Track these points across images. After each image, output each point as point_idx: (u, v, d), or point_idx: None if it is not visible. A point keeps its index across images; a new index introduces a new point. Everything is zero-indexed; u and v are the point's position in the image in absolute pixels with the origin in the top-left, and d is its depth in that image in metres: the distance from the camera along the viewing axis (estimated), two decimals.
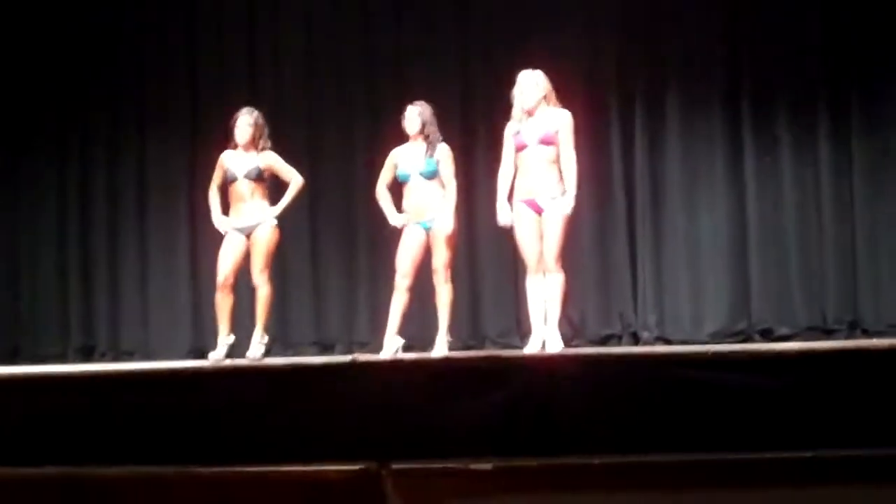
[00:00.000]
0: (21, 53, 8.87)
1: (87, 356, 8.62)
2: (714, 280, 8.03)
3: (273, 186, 7.01)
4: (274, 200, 6.91)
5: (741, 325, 7.94)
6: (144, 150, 8.84)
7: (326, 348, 8.36)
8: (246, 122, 6.87)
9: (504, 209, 6.31)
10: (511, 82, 6.41)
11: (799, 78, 8.00)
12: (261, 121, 6.92)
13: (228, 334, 6.77)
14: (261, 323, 6.83)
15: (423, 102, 6.74)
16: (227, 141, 6.98)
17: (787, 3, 8.08)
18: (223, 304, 6.78)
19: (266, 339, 6.84)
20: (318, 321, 8.49)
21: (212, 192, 6.95)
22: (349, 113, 8.59)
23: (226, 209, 6.91)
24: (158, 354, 8.39)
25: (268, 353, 6.84)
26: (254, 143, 6.86)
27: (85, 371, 6.26)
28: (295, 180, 6.89)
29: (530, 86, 6.31)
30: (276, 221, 6.82)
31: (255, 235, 6.78)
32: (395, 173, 6.70)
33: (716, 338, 7.81)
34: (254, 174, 6.82)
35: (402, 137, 6.77)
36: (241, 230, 6.81)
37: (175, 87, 8.82)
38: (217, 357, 6.71)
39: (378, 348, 6.75)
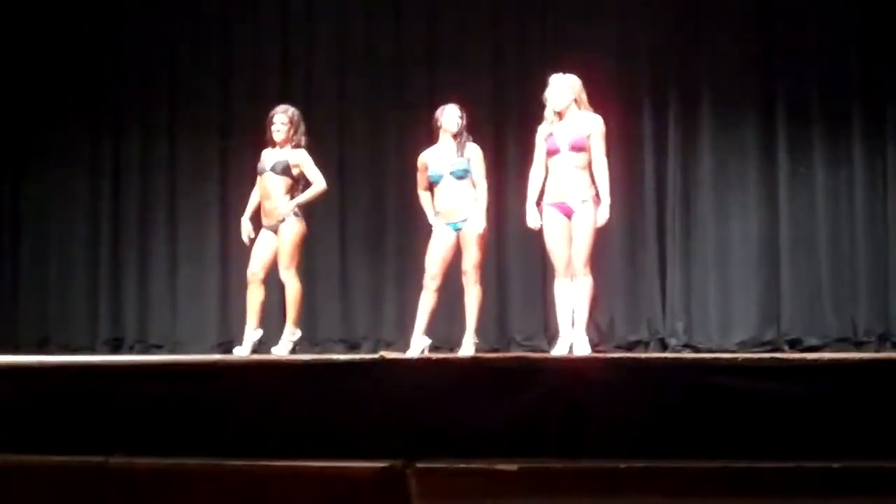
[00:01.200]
0: (55, 44, 8.93)
1: (116, 349, 8.67)
2: (744, 288, 7.99)
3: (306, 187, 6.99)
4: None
5: (770, 335, 7.89)
6: (175, 143, 8.88)
7: (353, 346, 8.37)
8: (281, 120, 6.88)
9: (533, 212, 6.30)
10: (543, 84, 6.40)
11: (834, 86, 7.95)
12: (296, 117, 6.92)
13: (256, 329, 6.79)
14: (290, 319, 6.84)
15: (456, 105, 6.73)
16: (263, 137, 6.99)
17: (823, 10, 8.03)
18: (253, 298, 6.82)
19: (297, 335, 6.85)
20: (346, 319, 8.50)
21: (252, 194, 6.99)
22: (380, 112, 8.59)
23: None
24: (186, 347, 8.43)
25: (295, 350, 6.84)
26: (289, 141, 6.88)
27: (111, 361, 6.30)
28: (318, 183, 6.89)
29: (561, 88, 6.30)
30: (299, 216, 6.82)
31: (280, 232, 6.80)
32: (427, 175, 6.69)
33: (744, 347, 7.76)
34: (280, 168, 6.83)
35: (433, 138, 6.77)
36: (268, 227, 6.83)
37: (207, 82, 8.85)
38: (242, 352, 6.73)
39: (405, 347, 6.75)
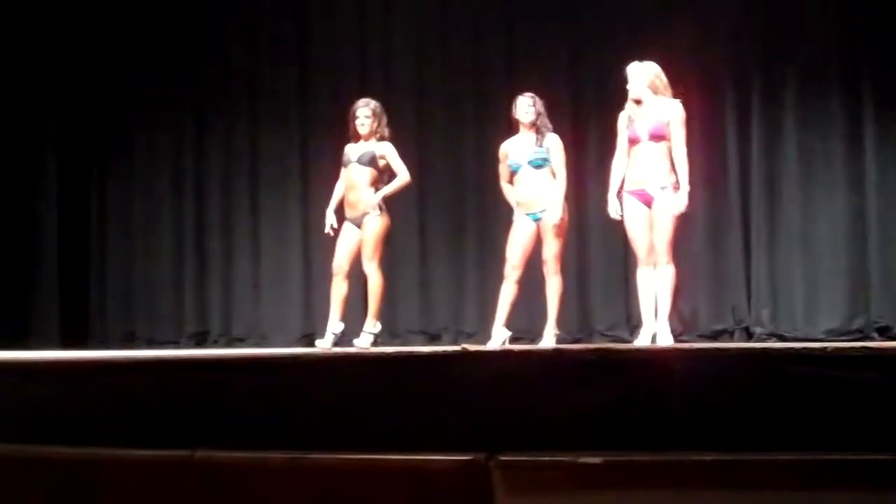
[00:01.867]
0: (136, 44, 9.07)
1: (200, 342, 8.79)
2: (830, 276, 7.83)
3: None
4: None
5: (858, 323, 7.72)
6: (257, 138, 8.97)
7: (433, 338, 8.38)
8: (364, 113, 6.90)
9: (614, 201, 6.24)
10: (622, 72, 6.33)
11: None
12: (379, 110, 6.94)
13: (338, 322, 6.82)
14: (371, 312, 6.87)
15: (532, 94, 6.69)
16: (345, 131, 7.01)
17: None
18: (337, 291, 6.86)
19: (378, 328, 6.87)
20: (426, 311, 8.52)
21: (337, 186, 7.01)
22: (459, 104, 8.59)
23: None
24: (270, 340, 8.51)
25: (376, 342, 6.86)
26: (373, 133, 6.89)
27: (196, 355, 6.37)
28: (402, 175, 6.90)
29: (640, 76, 6.23)
30: (383, 210, 6.83)
31: (364, 225, 6.82)
32: (507, 164, 6.67)
33: (831, 335, 7.61)
34: (366, 159, 6.84)
35: (512, 129, 6.73)
36: (352, 220, 6.86)
37: (286, 77, 8.92)
38: (323, 344, 6.77)
39: (485, 339, 6.74)
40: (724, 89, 8.07)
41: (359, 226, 6.83)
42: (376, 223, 6.81)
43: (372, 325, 6.85)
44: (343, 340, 6.85)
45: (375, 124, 6.89)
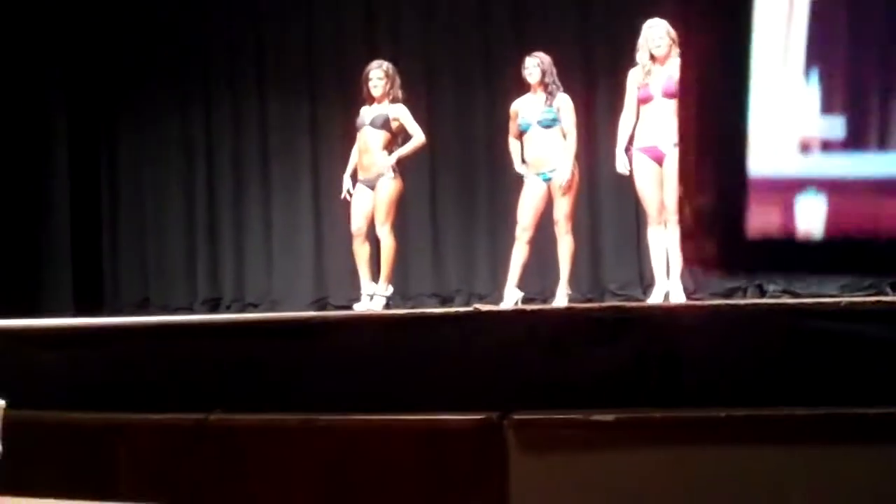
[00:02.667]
0: (142, 11, 9.04)
1: (214, 308, 8.81)
2: None
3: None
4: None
5: (870, 279, 7.68)
6: (265, 103, 8.95)
7: (446, 300, 8.38)
8: (377, 75, 6.86)
9: (622, 157, 6.22)
10: (631, 31, 6.28)
11: None
12: (392, 71, 6.90)
13: (370, 283, 6.84)
14: (384, 275, 6.87)
15: (541, 53, 6.66)
16: (357, 94, 6.99)
17: None
18: (361, 253, 6.87)
19: (389, 291, 6.88)
20: (438, 273, 8.51)
21: (354, 150, 6.99)
22: (468, 65, 8.54)
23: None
24: (282, 305, 8.52)
25: (388, 305, 6.87)
26: (387, 96, 6.87)
27: (209, 320, 6.40)
28: (417, 136, 6.87)
29: (660, 34, 6.16)
30: (396, 173, 6.82)
31: (377, 188, 6.81)
32: (517, 123, 6.64)
33: (846, 290, 7.58)
34: (379, 122, 6.82)
35: (522, 89, 6.70)
36: (365, 183, 6.84)
37: (293, 40, 8.88)
38: (363, 307, 6.78)
39: (498, 300, 6.74)
40: None
41: (372, 188, 6.82)
42: (390, 186, 6.79)
43: (384, 289, 6.85)
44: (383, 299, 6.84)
45: (388, 86, 6.85)
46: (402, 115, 6.84)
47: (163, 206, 9.11)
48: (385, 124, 6.81)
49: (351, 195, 6.91)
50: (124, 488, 3.77)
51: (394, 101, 6.86)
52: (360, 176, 6.87)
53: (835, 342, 3.75)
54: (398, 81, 6.90)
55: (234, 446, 3.66)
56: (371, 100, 6.88)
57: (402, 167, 6.93)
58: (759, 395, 3.64)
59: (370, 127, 6.83)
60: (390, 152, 6.81)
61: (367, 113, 6.89)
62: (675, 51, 6.17)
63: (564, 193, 6.46)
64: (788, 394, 3.65)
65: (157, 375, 4.15)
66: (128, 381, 4.17)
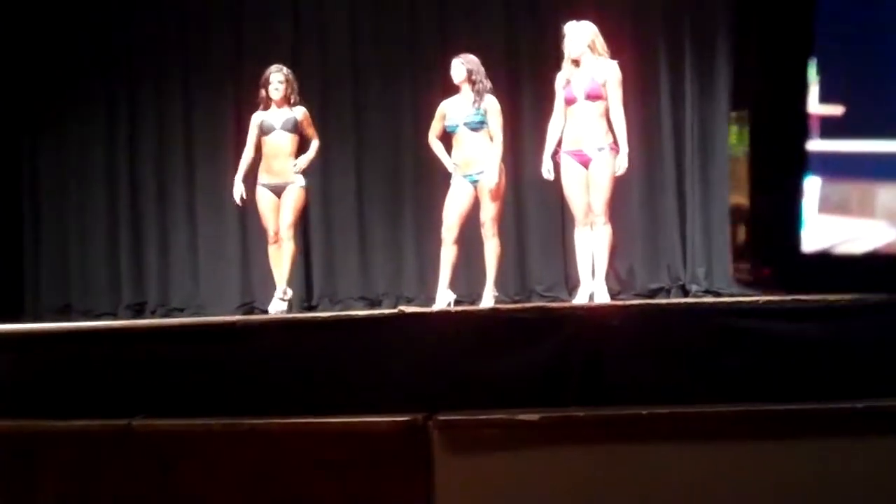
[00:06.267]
0: (64, 10, 8.90)
1: (138, 313, 8.70)
2: None
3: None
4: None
5: None
6: (191, 107, 8.86)
7: (373, 303, 8.37)
8: (278, 79, 6.90)
9: (547, 162, 6.26)
10: (557, 33, 6.33)
11: None
12: (291, 76, 6.97)
13: (287, 286, 6.87)
14: (285, 279, 6.92)
15: (468, 55, 6.68)
16: (256, 100, 7.01)
17: None
18: (276, 257, 6.88)
19: (289, 294, 6.91)
20: (365, 276, 8.50)
21: (246, 152, 7.00)
22: (394, 67, 8.53)
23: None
24: (208, 310, 8.44)
25: (290, 308, 6.91)
26: (287, 100, 6.90)
27: (134, 325, 6.32)
28: (315, 141, 7.00)
29: (576, 36, 6.23)
30: (304, 182, 6.88)
31: (284, 195, 6.85)
32: (444, 124, 6.65)
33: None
34: (290, 125, 6.88)
35: (449, 91, 6.72)
36: (271, 187, 6.86)
37: (219, 43, 8.81)
38: (275, 309, 6.81)
39: (426, 303, 6.74)
40: (657, 45, 8.08)
41: (278, 193, 6.85)
42: (299, 193, 6.88)
43: (283, 292, 6.89)
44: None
45: (289, 90, 6.91)
46: (305, 117, 6.90)
47: (85, 208, 8.97)
48: (295, 127, 6.89)
49: (244, 199, 6.93)
50: (46, 497, 3.71)
51: (294, 104, 6.91)
52: (266, 180, 6.90)
53: (756, 340, 3.82)
54: (296, 85, 6.96)
55: (158, 452, 3.63)
56: (268, 104, 6.91)
57: (311, 172, 7.01)
58: (682, 393, 3.69)
59: (281, 130, 6.87)
60: (297, 156, 6.85)
61: (273, 117, 6.90)
62: (598, 53, 6.24)
63: (491, 197, 6.49)
64: (710, 391, 3.71)
65: (78, 382, 4.09)
66: (49, 388, 4.10)
